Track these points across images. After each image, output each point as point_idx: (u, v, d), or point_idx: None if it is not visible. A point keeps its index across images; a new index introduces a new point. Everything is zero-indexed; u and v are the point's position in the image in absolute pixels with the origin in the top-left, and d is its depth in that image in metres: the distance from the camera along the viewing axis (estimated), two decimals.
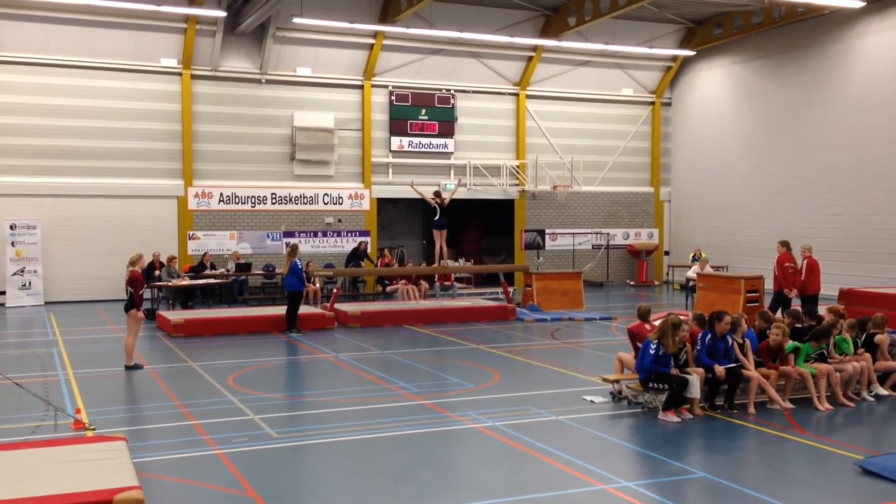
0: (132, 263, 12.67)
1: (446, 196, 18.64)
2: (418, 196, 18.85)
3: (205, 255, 22.05)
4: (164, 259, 20.54)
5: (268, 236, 23.85)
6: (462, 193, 25.83)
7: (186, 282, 19.87)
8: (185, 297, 20.07)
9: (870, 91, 21.88)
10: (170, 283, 19.44)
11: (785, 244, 15.87)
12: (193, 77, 22.79)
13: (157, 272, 20.09)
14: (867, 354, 10.66)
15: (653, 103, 28.62)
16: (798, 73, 24.03)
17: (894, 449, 8.19)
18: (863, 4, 20.90)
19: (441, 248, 18.50)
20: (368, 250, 23.82)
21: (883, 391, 10.59)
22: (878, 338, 10.91)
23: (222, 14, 21.38)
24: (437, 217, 18.05)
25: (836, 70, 22.85)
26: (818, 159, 23.36)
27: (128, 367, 12.49)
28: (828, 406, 9.88)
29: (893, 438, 9.14)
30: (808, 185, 23.62)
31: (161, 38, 22.20)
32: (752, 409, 9.61)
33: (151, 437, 8.82)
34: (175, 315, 16.92)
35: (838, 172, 22.70)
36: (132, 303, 12.53)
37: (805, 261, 15.62)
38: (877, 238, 21.50)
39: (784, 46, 24.41)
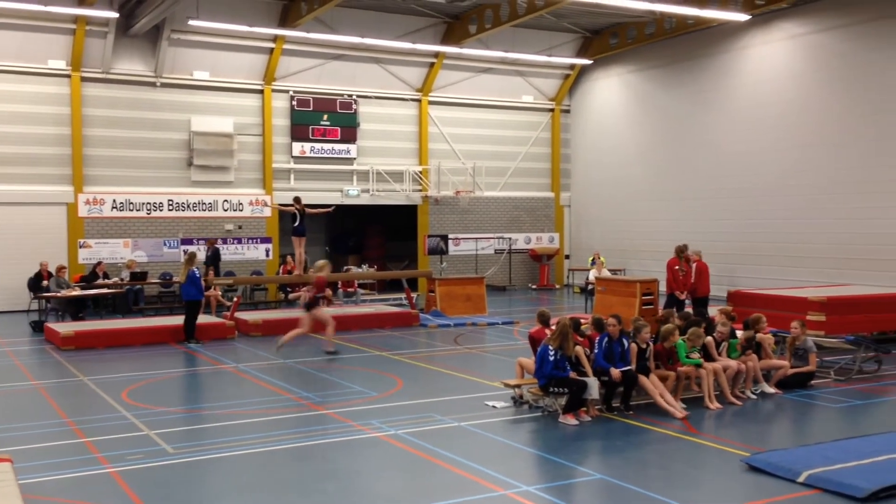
0: None
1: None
2: (288, 211, 18.24)
3: (98, 264, 21.24)
4: (52, 269, 19.71)
5: (164, 244, 23.18)
6: (365, 199, 25.79)
7: (77, 292, 19.11)
8: (75, 308, 19.27)
9: (754, 100, 22.91)
10: (59, 294, 18.66)
11: (677, 249, 16.46)
12: (83, 79, 21.95)
13: (44, 282, 19.27)
14: (754, 355, 11.15)
15: (552, 110, 29.22)
16: (689, 82, 24.98)
17: (779, 445, 8.60)
18: (748, 18, 21.88)
19: (300, 255, 18.39)
20: (220, 251, 22.91)
21: (770, 389, 11.10)
22: (758, 336, 11.45)
23: (114, 15, 20.69)
24: (296, 223, 17.85)
25: (724, 80, 23.86)
26: (709, 165, 24.31)
27: None
28: (717, 405, 10.30)
29: (778, 435, 9.62)
30: (700, 190, 24.54)
31: (48, 38, 21.30)
32: (678, 405, 9.95)
33: (39, 456, 8.43)
34: (64, 327, 16.25)
35: (727, 179, 23.66)
36: None
37: (695, 264, 16.26)
38: (764, 241, 22.48)
39: (676, 57, 25.34)
